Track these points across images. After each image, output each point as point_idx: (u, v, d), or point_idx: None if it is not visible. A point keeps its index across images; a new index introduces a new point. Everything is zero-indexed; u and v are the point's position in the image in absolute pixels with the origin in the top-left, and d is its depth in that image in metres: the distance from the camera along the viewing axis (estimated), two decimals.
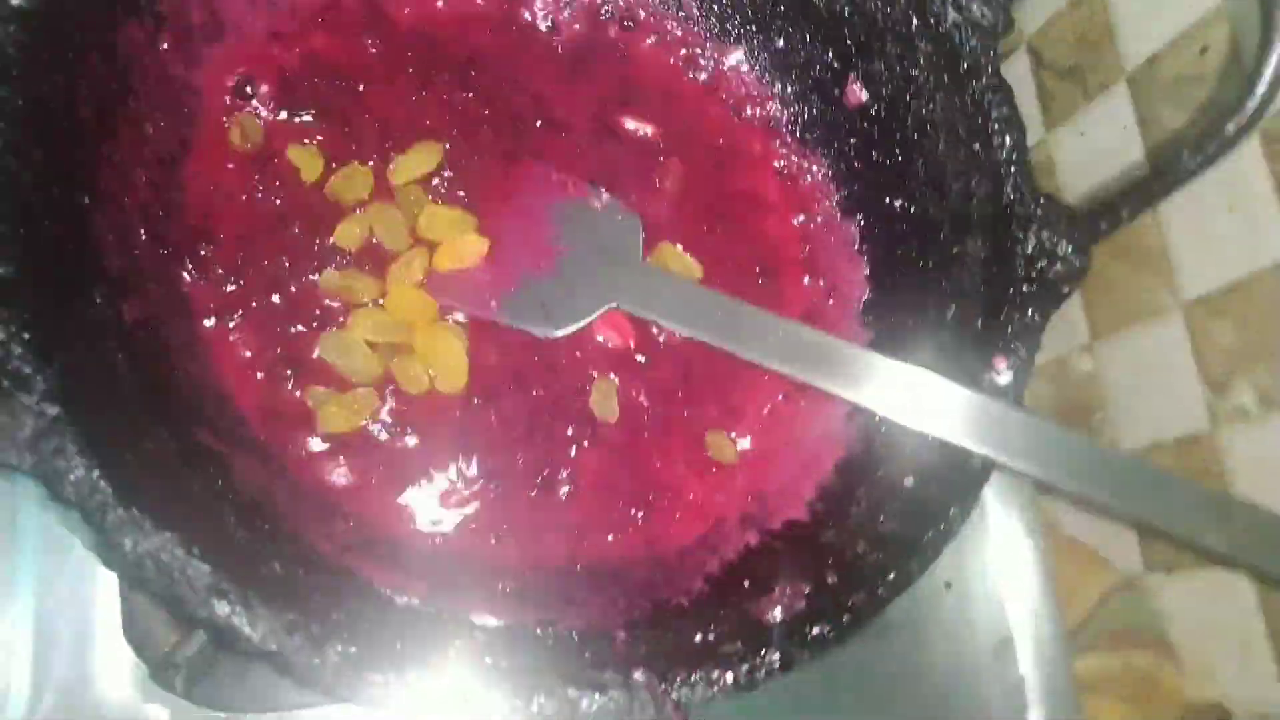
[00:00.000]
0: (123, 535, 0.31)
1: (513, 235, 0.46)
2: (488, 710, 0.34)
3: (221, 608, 0.31)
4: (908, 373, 0.41)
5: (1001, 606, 0.56)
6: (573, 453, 0.45)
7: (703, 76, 0.53)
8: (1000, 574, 0.56)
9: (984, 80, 0.45)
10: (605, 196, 0.47)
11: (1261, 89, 0.35)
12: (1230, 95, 0.41)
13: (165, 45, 0.41)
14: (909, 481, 0.42)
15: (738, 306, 0.44)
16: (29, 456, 0.30)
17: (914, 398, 0.41)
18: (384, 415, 0.44)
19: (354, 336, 0.43)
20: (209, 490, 0.37)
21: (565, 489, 0.45)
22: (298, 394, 0.43)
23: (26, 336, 0.31)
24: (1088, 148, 0.65)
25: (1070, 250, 0.43)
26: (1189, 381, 0.53)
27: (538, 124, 0.50)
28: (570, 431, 0.45)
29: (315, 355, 0.43)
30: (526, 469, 0.45)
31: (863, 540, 0.41)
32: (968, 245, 0.46)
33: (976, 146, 0.45)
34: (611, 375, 0.47)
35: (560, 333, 0.45)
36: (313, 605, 0.34)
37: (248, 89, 0.46)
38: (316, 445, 0.43)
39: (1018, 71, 0.71)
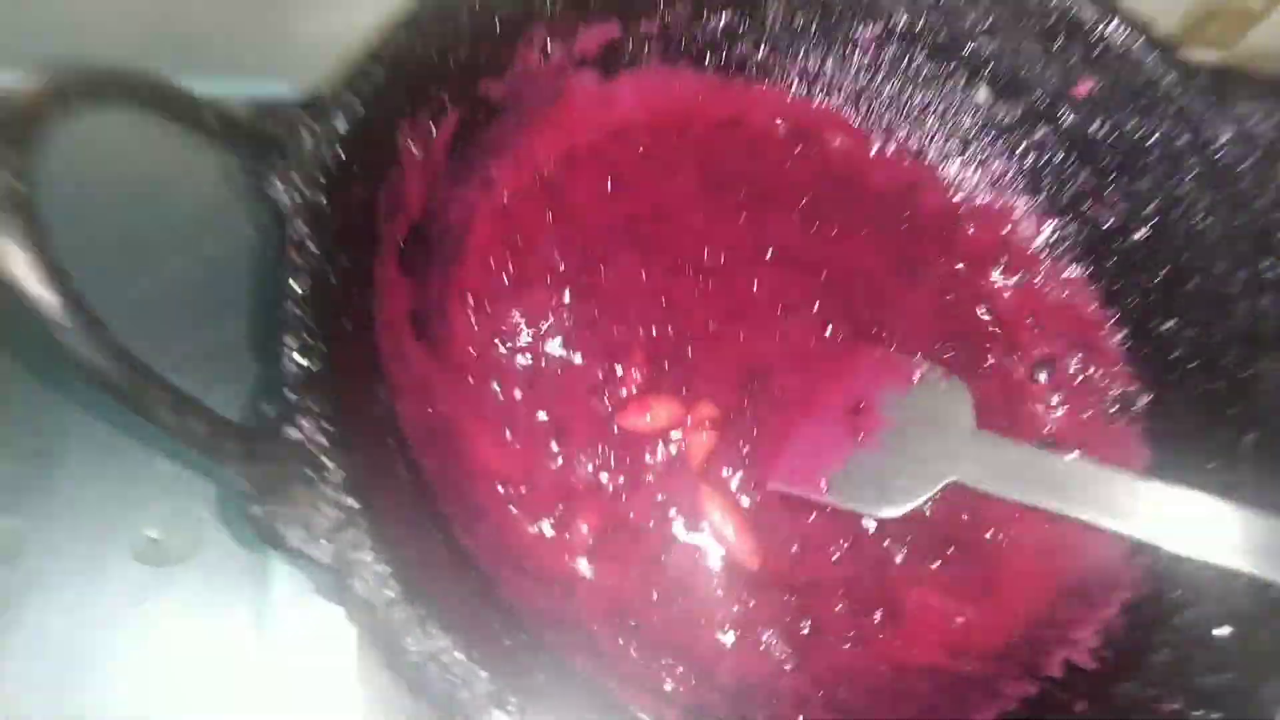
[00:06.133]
0: (407, 634, 0.30)
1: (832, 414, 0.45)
2: None
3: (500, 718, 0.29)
4: (1200, 502, 0.37)
5: None
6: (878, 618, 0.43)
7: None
8: None
9: (1268, 197, 0.42)
10: (923, 364, 0.46)
11: None
12: None
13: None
14: (1225, 630, 0.37)
15: (1081, 468, 0.40)
16: (329, 548, 0.30)
17: (1214, 533, 0.37)
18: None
19: None
20: (475, 595, 0.36)
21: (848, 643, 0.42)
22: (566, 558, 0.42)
23: (330, 429, 0.32)
24: None
25: None
26: None
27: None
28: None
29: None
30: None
31: (1180, 695, 0.36)
32: (1262, 368, 0.42)
33: (1264, 265, 0.42)
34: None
35: (897, 512, 0.42)
36: None
37: None
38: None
39: None
